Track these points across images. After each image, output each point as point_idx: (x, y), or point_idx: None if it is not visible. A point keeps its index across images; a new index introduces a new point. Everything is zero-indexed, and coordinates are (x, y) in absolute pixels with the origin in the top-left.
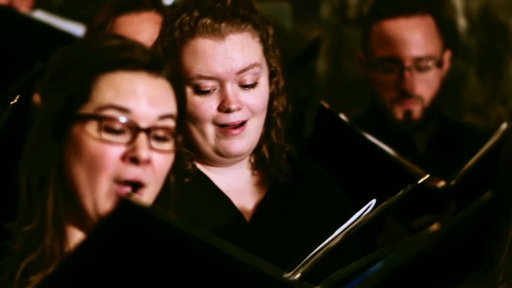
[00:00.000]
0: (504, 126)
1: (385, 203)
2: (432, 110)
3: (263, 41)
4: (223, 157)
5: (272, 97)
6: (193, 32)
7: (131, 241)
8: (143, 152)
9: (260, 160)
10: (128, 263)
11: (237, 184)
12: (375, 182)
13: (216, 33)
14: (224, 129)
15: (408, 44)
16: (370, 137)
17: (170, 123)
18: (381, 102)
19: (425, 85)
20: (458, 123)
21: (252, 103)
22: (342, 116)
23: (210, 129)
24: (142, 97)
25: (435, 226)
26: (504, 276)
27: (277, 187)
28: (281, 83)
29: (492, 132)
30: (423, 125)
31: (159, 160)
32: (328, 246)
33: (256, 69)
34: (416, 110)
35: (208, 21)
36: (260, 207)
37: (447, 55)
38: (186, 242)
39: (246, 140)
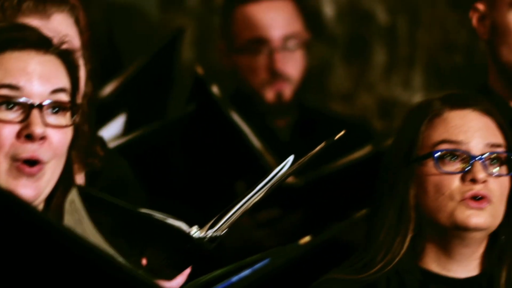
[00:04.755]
0: (368, 148)
1: (301, 159)
2: (301, 92)
3: (78, 23)
4: None
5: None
6: (16, 14)
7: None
8: (37, 128)
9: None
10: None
11: None
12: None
13: (41, 13)
14: None
15: (274, 24)
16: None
17: (63, 97)
18: (250, 87)
19: (293, 65)
20: (320, 111)
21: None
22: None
23: None
24: (32, 73)
25: (306, 239)
26: (384, 255)
27: (95, 176)
28: (89, 66)
29: (356, 119)
30: (288, 110)
31: (55, 136)
32: (248, 203)
33: (79, 52)
34: (287, 90)
35: (31, 3)
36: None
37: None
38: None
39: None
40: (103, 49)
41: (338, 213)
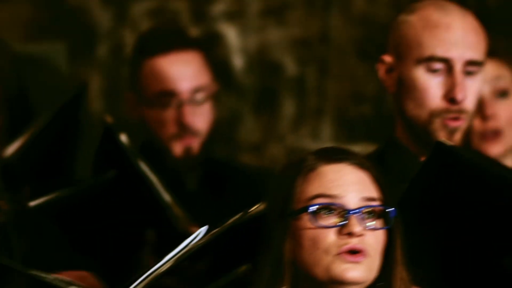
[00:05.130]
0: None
1: (216, 229)
2: (209, 144)
3: None
4: None
5: None
6: None
7: None
8: None
9: None
10: None
11: None
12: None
13: None
14: None
15: (182, 77)
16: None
17: None
18: (158, 140)
19: (202, 119)
20: (228, 163)
21: None
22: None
23: None
24: None
25: None
26: None
27: None
28: None
29: (265, 170)
30: (196, 164)
31: None
32: (158, 271)
33: None
34: (195, 145)
35: None
36: None
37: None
38: None
39: None
40: (14, 103)
41: (243, 263)
